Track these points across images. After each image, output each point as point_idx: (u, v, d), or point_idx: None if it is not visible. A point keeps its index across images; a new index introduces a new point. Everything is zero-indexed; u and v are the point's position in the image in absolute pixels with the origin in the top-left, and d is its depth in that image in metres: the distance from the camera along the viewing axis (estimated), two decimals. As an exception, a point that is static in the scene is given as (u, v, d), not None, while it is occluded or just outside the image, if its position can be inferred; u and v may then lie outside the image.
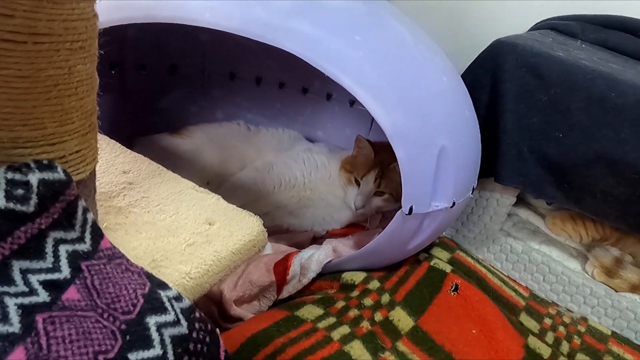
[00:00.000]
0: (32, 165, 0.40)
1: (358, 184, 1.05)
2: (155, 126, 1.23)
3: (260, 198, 1.08)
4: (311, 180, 1.10)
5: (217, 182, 1.09)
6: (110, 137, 1.22)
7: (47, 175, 0.41)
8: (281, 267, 0.86)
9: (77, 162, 0.46)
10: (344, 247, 0.89)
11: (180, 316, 0.47)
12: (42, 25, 0.38)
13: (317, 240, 1.10)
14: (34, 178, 0.40)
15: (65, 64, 0.41)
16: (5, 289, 0.38)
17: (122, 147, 0.75)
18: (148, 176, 0.69)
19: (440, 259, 1.02)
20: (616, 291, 0.98)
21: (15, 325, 0.36)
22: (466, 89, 0.90)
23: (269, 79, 1.32)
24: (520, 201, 1.12)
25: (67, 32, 0.40)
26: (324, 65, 0.70)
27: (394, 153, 0.86)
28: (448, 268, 0.95)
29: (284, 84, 1.30)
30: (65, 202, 0.43)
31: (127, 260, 0.48)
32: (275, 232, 1.08)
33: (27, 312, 0.37)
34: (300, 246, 1.05)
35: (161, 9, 0.73)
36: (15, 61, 0.37)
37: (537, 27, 1.24)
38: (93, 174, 0.52)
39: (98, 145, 0.73)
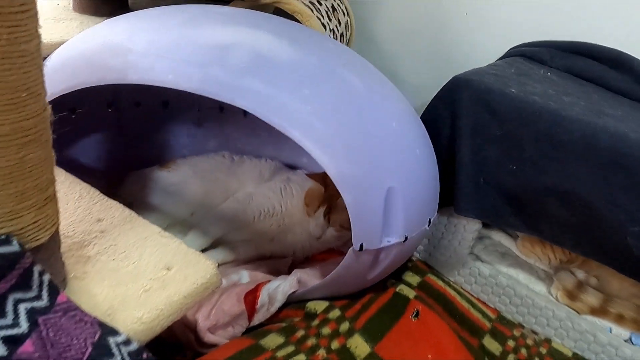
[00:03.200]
0: (-10, 242, 0.49)
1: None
2: (150, 158, 1.33)
3: (242, 227, 1.16)
4: (288, 209, 1.17)
5: (201, 212, 1.17)
6: (107, 172, 1.34)
7: (4, 250, 0.50)
8: (251, 297, 0.93)
9: (35, 231, 0.55)
10: (309, 278, 0.96)
11: (127, 359, 0.55)
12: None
13: (297, 265, 1.18)
14: (-9, 253, 0.49)
15: (16, 156, 0.50)
16: (-32, 346, 0.47)
17: (100, 195, 0.84)
18: (120, 223, 0.78)
19: (409, 283, 1.08)
20: (578, 314, 1.02)
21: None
22: (422, 128, 0.96)
23: (255, 110, 1.39)
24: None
25: (16, 132, 0.49)
26: (274, 120, 0.78)
27: None
28: (412, 294, 1.00)
29: (269, 114, 1.38)
30: (22, 269, 0.52)
31: (81, 311, 0.57)
32: (257, 259, 1.16)
33: (-16, 367, 0.46)
34: (280, 272, 1.13)
35: (130, 72, 0.82)
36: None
37: (509, 53, 1.29)
38: (55, 236, 0.60)
39: (79, 195, 0.83)
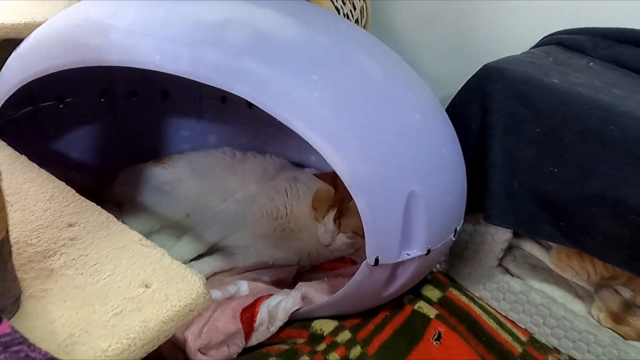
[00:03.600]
0: None
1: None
2: (146, 153, 1.22)
3: (242, 231, 1.05)
4: (293, 212, 1.06)
5: (197, 214, 1.06)
6: (99, 167, 1.23)
7: None
8: (248, 314, 0.82)
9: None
10: (315, 293, 0.84)
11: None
12: None
13: (303, 275, 1.06)
14: None
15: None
16: None
17: (76, 195, 0.72)
18: (94, 229, 0.67)
19: (429, 299, 0.96)
20: (624, 339, 0.89)
21: None
22: (448, 123, 0.83)
23: (260, 103, 1.28)
24: (523, 233, 1.03)
25: None
26: (276, 109, 0.66)
27: None
28: (432, 312, 0.88)
29: (276, 107, 1.26)
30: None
31: (29, 345, 0.45)
32: (258, 267, 1.04)
33: None
34: (283, 283, 1.01)
35: (110, 52, 0.70)
36: None
37: (544, 42, 1.15)
38: (3, 245, 0.49)
39: (51, 195, 0.72)
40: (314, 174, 1.01)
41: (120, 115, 1.24)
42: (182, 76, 0.68)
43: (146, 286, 0.59)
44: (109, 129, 1.24)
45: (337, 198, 0.98)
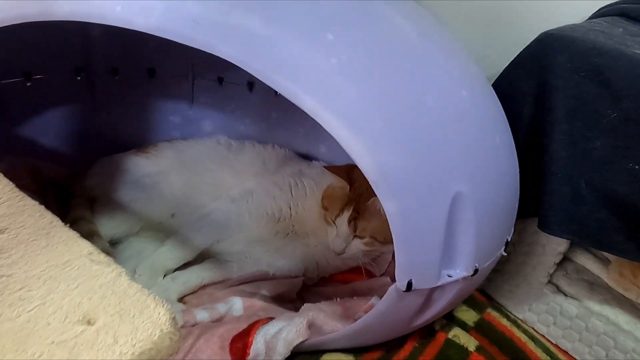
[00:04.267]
0: None
1: (335, 223, 0.83)
2: (130, 141, 1.05)
3: (238, 234, 0.87)
4: (299, 213, 0.89)
5: (184, 214, 0.89)
6: (74, 157, 1.06)
7: None
8: (240, 344, 0.65)
9: None
10: (326, 319, 0.66)
11: None
12: None
13: (309, 290, 0.88)
14: None
15: None
16: None
17: (15, 191, 0.55)
18: (29, 237, 0.49)
19: (464, 322, 0.78)
20: None
21: None
22: (499, 105, 0.65)
23: (263, 84, 1.09)
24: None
25: None
26: (274, 78, 0.49)
27: None
28: (472, 344, 0.70)
29: (281, 89, 1.08)
30: None
31: None
32: (255, 279, 0.87)
33: None
34: (285, 298, 0.84)
35: (58, 3, 0.53)
36: None
37: (602, 12, 0.96)
38: None
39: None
40: (324, 167, 0.83)
41: (99, 97, 1.07)
42: (152, 34, 0.50)
43: (88, 322, 0.42)
44: (85, 112, 1.07)
45: (353, 196, 0.81)
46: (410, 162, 0.50)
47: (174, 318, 0.44)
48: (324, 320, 0.65)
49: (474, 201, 0.53)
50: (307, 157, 1.08)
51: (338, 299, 0.72)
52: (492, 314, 0.82)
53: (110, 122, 1.09)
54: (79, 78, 1.04)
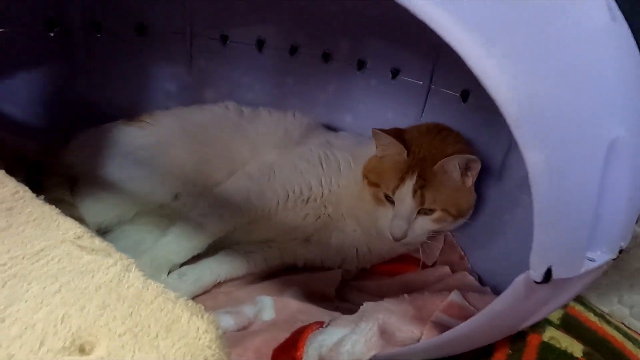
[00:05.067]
0: None
1: (391, 201, 0.66)
2: (116, 112, 0.86)
3: (258, 219, 0.70)
4: (332, 191, 0.72)
5: (191, 195, 0.71)
6: (49, 130, 0.87)
7: None
8: (286, 358, 0.48)
9: None
10: (399, 324, 0.49)
11: None
12: None
13: (347, 284, 0.72)
14: None
15: None
16: None
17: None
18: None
19: (549, 321, 0.62)
20: None
21: None
22: None
23: (275, 42, 0.92)
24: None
25: None
26: None
27: (440, 143, 0.67)
28: (577, 349, 0.55)
29: (298, 48, 0.91)
30: None
31: None
32: (283, 272, 0.70)
33: None
34: (322, 296, 0.67)
35: None
36: None
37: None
38: None
39: None
40: (374, 129, 0.67)
41: (78, 57, 0.88)
42: None
43: (81, 350, 0.24)
44: (61, 75, 0.88)
45: (414, 161, 0.65)
46: (564, 93, 0.33)
47: (221, 336, 0.27)
48: (396, 325, 0.49)
49: (632, 151, 0.37)
50: (329, 129, 0.91)
51: (406, 295, 0.56)
52: (577, 308, 0.67)
53: (91, 89, 0.90)
54: (52, 34, 0.85)
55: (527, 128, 0.32)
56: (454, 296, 0.54)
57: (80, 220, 0.62)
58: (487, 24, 0.31)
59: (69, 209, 0.63)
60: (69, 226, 0.31)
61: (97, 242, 0.30)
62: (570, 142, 0.34)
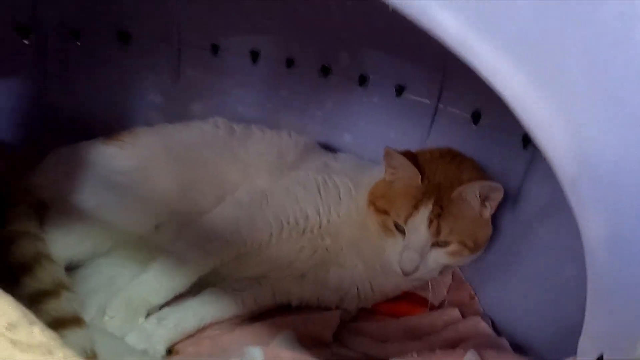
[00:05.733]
0: None
1: (402, 231, 0.59)
2: (95, 125, 0.79)
3: (248, 253, 0.63)
4: (331, 221, 0.66)
5: (174, 224, 0.64)
6: (21, 147, 0.78)
7: None
8: None
9: None
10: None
11: None
12: None
13: (345, 326, 0.65)
14: None
15: None
16: None
17: None
18: None
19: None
20: None
21: None
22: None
23: (270, 53, 0.85)
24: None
25: None
26: None
27: (455, 169, 0.62)
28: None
29: (294, 60, 0.84)
30: None
31: None
32: (276, 312, 0.64)
33: None
34: (320, 341, 0.60)
35: None
36: None
37: None
38: None
39: None
40: (387, 149, 0.60)
41: (54, 66, 0.81)
42: None
43: None
44: (35, 85, 0.81)
45: (429, 187, 0.59)
46: (630, 148, 0.27)
47: None
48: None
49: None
50: (326, 149, 0.84)
51: (415, 354, 0.49)
52: None
53: (69, 101, 0.83)
54: (26, 41, 0.78)
55: (586, 190, 0.25)
56: (470, 356, 0.47)
57: (46, 256, 0.56)
58: (541, 60, 0.25)
59: (32, 243, 0.56)
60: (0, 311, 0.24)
61: (37, 333, 0.23)
62: (636, 207, 0.27)
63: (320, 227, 0.66)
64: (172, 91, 0.89)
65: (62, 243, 0.59)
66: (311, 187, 0.67)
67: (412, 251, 0.59)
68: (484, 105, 0.72)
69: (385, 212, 0.62)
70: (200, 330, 0.58)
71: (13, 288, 0.40)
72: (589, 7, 0.27)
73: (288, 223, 0.64)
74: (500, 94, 0.24)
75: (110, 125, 0.81)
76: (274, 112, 0.89)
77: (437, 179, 0.60)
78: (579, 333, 0.30)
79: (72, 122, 0.80)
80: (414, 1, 0.24)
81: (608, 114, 0.27)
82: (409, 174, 0.61)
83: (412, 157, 0.62)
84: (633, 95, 0.27)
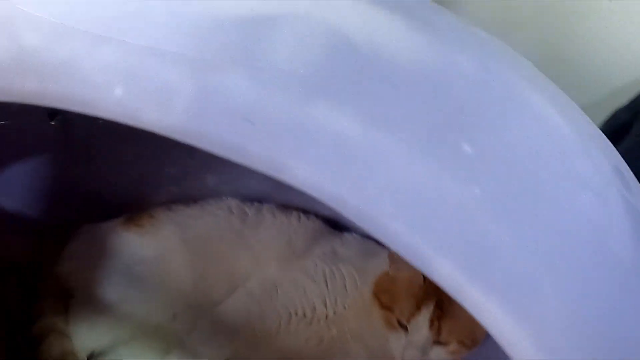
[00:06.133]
0: None
1: (404, 327, 0.63)
2: (121, 200, 0.84)
3: (257, 342, 0.67)
4: (337, 311, 0.69)
5: (189, 315, 0.68)
6: (45, 223, 0.84)
7: None
8: None
9: None
10: None
11: None
12: None
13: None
14: None
15: None
16: None
17: None
18: None
19: None
20: None
21: None
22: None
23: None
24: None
25: None
26: (383, 220, 0.29)
27: None
28: None
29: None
30: None
31: None
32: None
33: None
34: None
35: (20, 71, 0.33)
36: None
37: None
38: None
39: None
40: (390, 254, 0.65)
41: (80, 146, 0.85)
42: (172, 136, 0.31)
43: None
44: (64, 164, 0.85)
45: (431, 288, 0.62)
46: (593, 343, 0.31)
47: None
48: None
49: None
50: (336, 224, 0.88)
51: None
52: None
53: (93, 177, 0.87)
54: (52, 123, 0.83)
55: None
56: None
57: (70, 353, 0.60)
58: (521, 299, 0.29)
59: (60, 341, 0.60)
60: None
61: None
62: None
63: (327, 317, 0.70)
64: (188, 164, 0.94)
65: (86, 336, 0.63)
66: (318, 279, 0.71)
67: (415, 349, 0.62)
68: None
69: (389, 309, 0.65)
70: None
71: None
72: (567, 234, 0.31)
73: (296, 314, 0.68)
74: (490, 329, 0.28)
75: (131, 197, 0.86)
76: (284, 184, 0.93)
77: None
78: None
79: (103, 195, 0.85)
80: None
81: (574, 323, 0.31)
82: (411, 275, 0.64)
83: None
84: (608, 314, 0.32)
